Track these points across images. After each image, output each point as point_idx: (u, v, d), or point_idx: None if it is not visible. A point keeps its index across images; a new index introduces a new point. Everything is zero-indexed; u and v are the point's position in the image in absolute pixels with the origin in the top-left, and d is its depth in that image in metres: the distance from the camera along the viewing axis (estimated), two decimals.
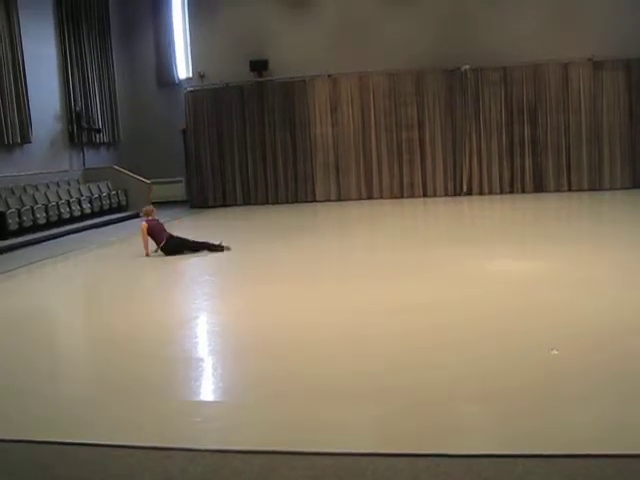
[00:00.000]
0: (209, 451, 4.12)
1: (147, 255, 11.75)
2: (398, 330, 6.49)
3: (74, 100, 18.89)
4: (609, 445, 3.91)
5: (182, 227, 17.27)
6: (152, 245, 11.79)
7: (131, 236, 15.40)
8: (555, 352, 5.49)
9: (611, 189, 19.09)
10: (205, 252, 11.77)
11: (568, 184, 19.48)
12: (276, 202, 20.69)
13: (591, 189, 19.20)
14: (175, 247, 11.77)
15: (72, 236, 15.46)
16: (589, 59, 19.07)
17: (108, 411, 4.87)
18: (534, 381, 4.98)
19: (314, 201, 20.43)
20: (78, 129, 19.03)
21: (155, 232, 11.85)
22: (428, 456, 3.90)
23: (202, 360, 6.16)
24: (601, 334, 6.08)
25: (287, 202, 20.59)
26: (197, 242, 12.01)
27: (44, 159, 17.79)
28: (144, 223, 12.01)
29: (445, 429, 4.31)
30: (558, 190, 19.36)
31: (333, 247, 12.59)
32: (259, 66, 20.52)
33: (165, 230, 12.03)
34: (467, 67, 19.51)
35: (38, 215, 15.41)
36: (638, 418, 4.26)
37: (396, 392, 4.91)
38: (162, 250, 11.76)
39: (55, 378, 5.85)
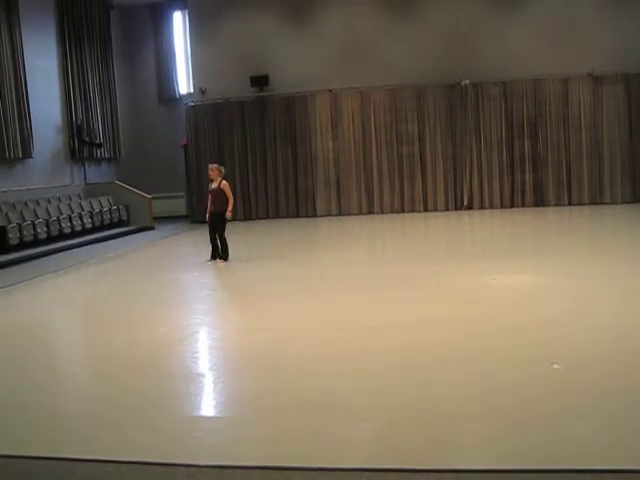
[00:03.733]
0: (209, 467, 4.10)
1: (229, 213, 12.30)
2: (397, 346, 6.47)
3: (75, 115, 18.98)
4: (609, 460, 3.89)
5: (183, 242, 17.30)
6: None
7: (132, 251, 15.44)
8: (556, 366, 5.48)
9: (612, 203, 19.14)
10: (205, 267, 11.79)
11: (568, 199, 19.52)
12: (277, 217, 20.72)
13: (592, 203, 19.25)
14: (217, 222, 12.29)
15: (73, 251, 15.48)
16: (588, 74, 19.15)
17: (107, 427, 4.85)
18: (535, 396, 4.96)
19: (314, 216, 20.45)
20: (79, 144, 19.10)
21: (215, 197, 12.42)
22: (427, 471, 3.88)
23: (202, 375, 6.14)
24: (601, 348, 6.06)
25: (288, 217, 20.61)
26: (224, 239, 12.35)
27: (45, 174, 17.83)
28: (225, 182, 12.50)
29: (444, 444, 4.29)
30: (558, 204, 19.42)
31: (333, 262, 12.58)
32: (260, 81, 20.58)
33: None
34: (467, 82, 19.59)
35: (39, 230, 15.43)
36: (638, 433, 4.24)
37: (396, 408, 4.88)
38: (209, 215, 12.40)
39: (54, 394, 5.82)
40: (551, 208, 19.14)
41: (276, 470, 4.01)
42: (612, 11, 18.90)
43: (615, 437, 4.20)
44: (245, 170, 20.96)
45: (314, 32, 20.33)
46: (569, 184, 19.56)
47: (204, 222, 20.42)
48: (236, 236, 18.16)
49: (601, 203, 19.23)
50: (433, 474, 3.86)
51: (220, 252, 12.23)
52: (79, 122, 19.03)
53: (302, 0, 20.32)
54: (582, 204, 19.28)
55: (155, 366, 6.29)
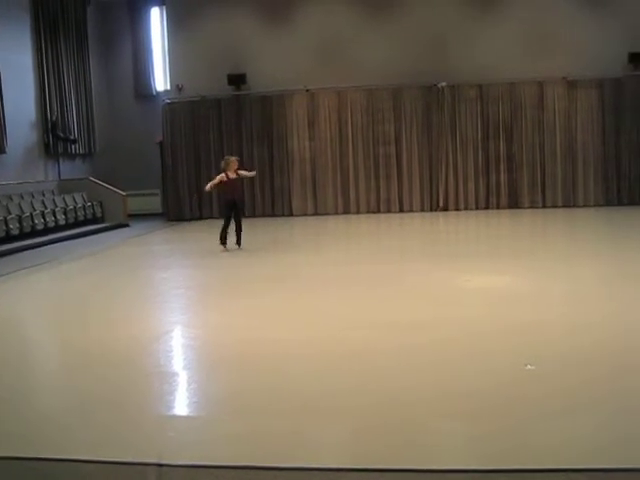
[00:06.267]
0: (182, 466, 4.09)
1: (207, 189, 13.71)
2: (371, 347, 6.47)
3: (50, 110, 18.79)
4: (590, 460, 3.93)
5: (158, 240, 17.22)
6: None
7: (106, 248, 15.33)
8: (530, 367, 5.50)
9: (585, 206, 19.35)
10: (179, 265, 11.74)
11: (543, 200, 19.71)
12: (252, 216, 20.65)
13: (565, 206, 19.46)
14: (232, 208, 13.19)
15: (46, 248, 15.33)
16: (563, 78, 19.34)
17: (79, 426, 4.81)
18: (510, 397, 5.00)
19: (290, 215, 20.44)
20: (54, 139, 18.91)
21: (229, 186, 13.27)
22: (405, 471, 3.90)
23: (176, 374, 6.11)
24: (578, 349, 6.12)
25: (263, 216, 20.58)
26: (239, 226, 13.24)
27: (19, 169, 17.64)
28: (241, 171, 13.56)
29: (422, 445, 4.31)
30: (533, 206, 19.60)
31: (308, 261, 12.59)
32: (237, 80, 20.53)
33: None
34: (444, 84, 19.69)
35: (11, 226, 15.27)
36: (617, 433, 4.29)
37: (372, 408, 4.89)
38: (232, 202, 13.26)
39: (23, 393, 5.74)
40: (525, 210, 19.31)
41: (249, 469, 4.00)
42: (587, 16, 19.09)
43: (594, 438, 4.24)
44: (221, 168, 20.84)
45: (292, 32, 20.31)
46: (543, 186, 19.75)
47: (179, 220, 20.52)
48: (212, 235, 18.13)
49: (574, 206, 19.44)
50: (409, 473, 3.87)
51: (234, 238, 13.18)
52: (54, 117, 18.86)
53: None
54: (556, 206, 19.48)
55: (129, 364, 6.25)
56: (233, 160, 13.63)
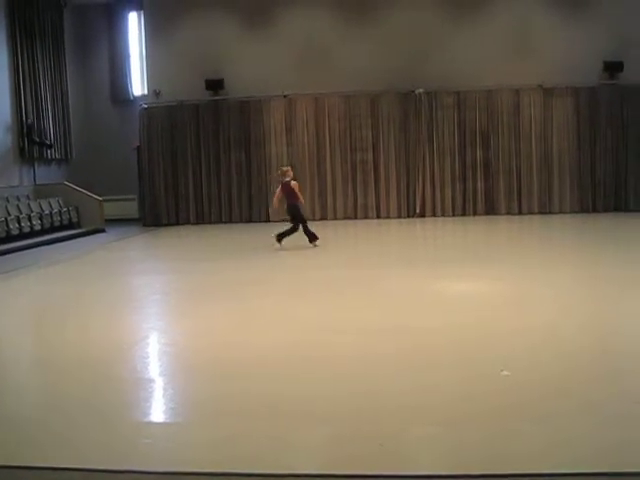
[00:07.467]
0: (158, 473, 4.06)
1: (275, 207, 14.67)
2: (350, 353, 6.47)
3: (25, 114, 18.61)
4: (560, 464, 3.95)
5: (134, 245, 17.13)
6: None
7: (82, 254, 15.22)
8: (505, 373, 5.53)
9: (560, 213, 19.54)
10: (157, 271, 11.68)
11: (519, 207, 19.87)
12: (229, 221, 20.63)
13: (541, 212, 19.64)
14: (297, 213, 13.88)
15: (21, 253, 15.18)
16: (540, 86, 19.53)
17: (55, 433, 4.75)
18: (486, 403, 5.02)
19: (268, 221, 20.40)
20: (29, 144, 18.74)
21: (287, 193, 13.81)
22: (378, 477, 3.90)
23: (153, 380, 6.07)
24: (549, 353, 6.16)
25: (241, 221, 20.53)
26: (306, 226, 14.01)
27: None
28: (294, 182, 13.92)
29: (397, 452, 4.31)
30: (509, 213, 19.75)
31: (285, 266, 12.57)
32: (215, 85, 20.50)
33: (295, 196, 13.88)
34: (421, 91, 19.79)
35: None
36: (589, 439, 4.32)
37: (351, 414, 4.88)
38: (287, 209, 13.93)
39: (0, 399, 5.69)
40: (502, 217, 19.45)
41: (227, 476, 3.99)
42: (563, 25, 19.32)
43: (567, 443, 4.26)
44: (199, 174, 20.83)
45: (270, 37, 20.31)
46: (519, 193, 19.92)
47: (156, 225, 20.42)
48: (189, 239, 18.10)
49: (550, 212, 19.62)
50: (384, 479, 3.88)
51: (310, 235, 13.97)
52: (29, 121, 18.69)
53: (259, 5, 20.28)
54: (532, 213, 19.65)
55: (105, 371, 6.19)
56: (288, 169, 14.34)
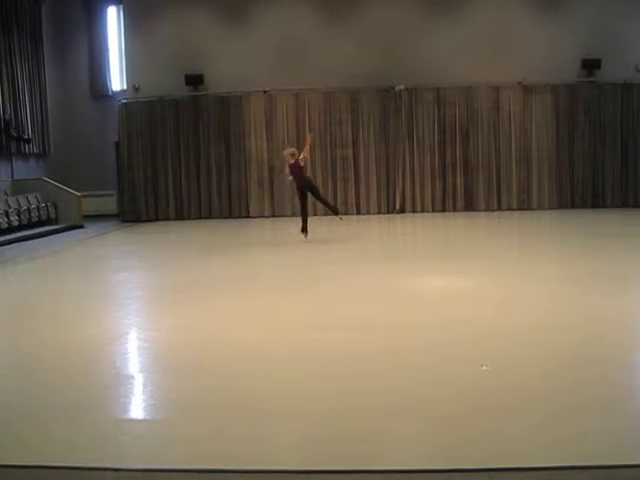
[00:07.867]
0: (139, 470, 4.04)
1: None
2: (328, 350, 6.47)
3: (3, 109, 18.41)
4: (540, 458, 3.98)
5: (113, 241, 17.03)
6: None
7: (60, 250, 15.11)
8: (485, 368, 5.56)
9: (539, 209, 19.68)
10: (135, 267, 11.61)
11: (498, 203, 20.00)
12: (209, 217, 20.58)
13: (520, 209, 19.77)
14: (311, 186, 14.44)
15: None
16: (519, 82, 19.63)
17: (32, 430, 4.72)
18: (467, 399, 5.04)
19: (248, 217, 20.38)
20: (6, 139, 18.55)
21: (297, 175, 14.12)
22: (359, 472, 3.91)
23: (132, 377, 6.04)
24: (530, 349, 6.20)
25: (221, 217, 20.49)
26: (322, 197, 15.06)
27: None
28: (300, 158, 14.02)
29: (376, 446, 4.33)
30: (488, 209, 19.87)
31: (265, 262, 12.56)
32: (195, 80, 20.41)
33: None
34: (401, 87, 19.84)
35: None
36: (565, 432, 4.35)
37: (332, 411, 4.88)
38: (306, 187, 14.21)
39: None
40: (481, 213, 19.56)
41: (207, 473, 3.98)
42: (542, 22, 19.45)
43: (542, 436, 4.30)
44: (178, 169, 20.75)
45: (250, 33, 20.26)
46: (499, 190, 20.05)
47: (135, 221, 20.31)
48: (168, 235, 18.04)
49: (529, 209, 19.76)
50: (366, 474, 3.88)
51: (332, 208, 15.23)
52: (7, 116, 18.50)
53: (239, 1, 20.22)
54: (511, 209, 19.79)
55: (82, 367, 6.16)
56: (293, 152, 14.36)
